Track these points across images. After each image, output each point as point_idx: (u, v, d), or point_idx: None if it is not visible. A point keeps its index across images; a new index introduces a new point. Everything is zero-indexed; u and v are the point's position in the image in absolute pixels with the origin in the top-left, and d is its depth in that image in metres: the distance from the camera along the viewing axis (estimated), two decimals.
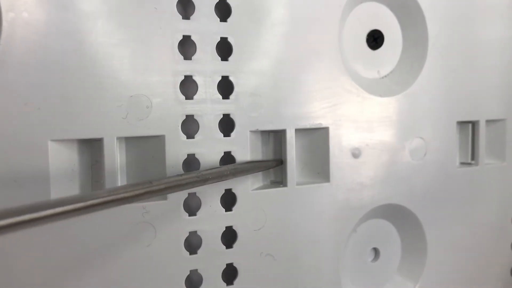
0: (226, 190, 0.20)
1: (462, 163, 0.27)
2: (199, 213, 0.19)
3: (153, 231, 0.18)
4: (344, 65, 0.22)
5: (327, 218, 0.22)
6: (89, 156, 0.18)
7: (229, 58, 0.19)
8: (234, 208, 0.20)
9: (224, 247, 0.20)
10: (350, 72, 0.23)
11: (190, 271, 0.19)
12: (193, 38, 0.19)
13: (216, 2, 0.19)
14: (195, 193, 0.19)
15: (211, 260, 0.20)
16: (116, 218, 0.18)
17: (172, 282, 0.19)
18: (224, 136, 0.19)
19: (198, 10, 0.19)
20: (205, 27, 0.19)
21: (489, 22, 0.26)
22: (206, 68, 0.19)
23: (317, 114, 0.22)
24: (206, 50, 0.19)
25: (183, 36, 0.18)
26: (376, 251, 0.25)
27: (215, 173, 0.17)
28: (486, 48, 0.26)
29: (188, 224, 0.19)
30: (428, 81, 0.24)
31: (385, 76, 0.25)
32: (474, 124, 0.27)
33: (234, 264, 0.20)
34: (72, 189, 0.18)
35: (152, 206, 0.18)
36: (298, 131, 0.21)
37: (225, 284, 0.20)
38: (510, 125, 0.27)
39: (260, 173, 0.22)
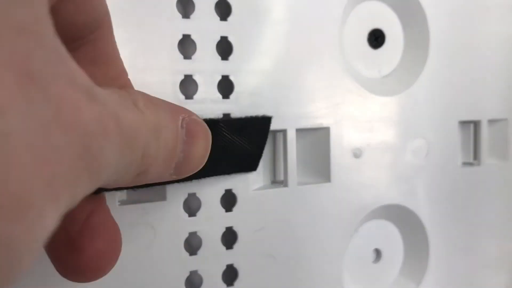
0: (226, 190, 0.20)
1: (464, 163, 0.27)
2: (199, 214, 0.19)
3: (152, 232, 0.18)
4: (345, 64, 0.22)
5: (329, 219, 0.22)
6: None
7: (229, 58, 0.19)
8: (234, 209, 0.20)
9: (225, 248, 0.20)
10: (351, 72, 0.23)
11: (190, 272, 0.19)
12: (193, 37, 0.19)
13: (216, 1, 0.19)
14: (195, 193, 0.19)
15: (211, 261, 0.19)
16: (115, 218, 0.17)
17: (172, 283, 0.19)
18: None
19: (198, 9, 0.19)
20: (205, 26, 0.19)
21: (491, 21, 0.26)
22: (206, 67, 0.19)
23: (318, 114, 0.21)
24: (206, 49, 0.19)
25: (183, 35, 0.18)
26: (378, 252, 0.25)
27: None
28: (488, 47, 0.26)
29: (188, 224, 0.19)
30: (429, 81, 0.24)
31: (387, 75, 0.25)
32: (476, 123, 0.26)
33: (235, 265, 0.20)
34: None
35: (152, 206, 0.18)
36: (299, 131, 0.21)
37: (226, 285, 0.20)
38: None
39: (261, 173, 0.22)
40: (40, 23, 0.07)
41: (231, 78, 0.19)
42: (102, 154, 0.09)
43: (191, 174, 0.14)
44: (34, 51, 0.07)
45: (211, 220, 0.19)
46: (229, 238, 0.20)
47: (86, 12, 0.11)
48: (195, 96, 0.19)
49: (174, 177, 0.13)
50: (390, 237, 0.25)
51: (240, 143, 0.19)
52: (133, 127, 0.10)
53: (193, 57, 0.19)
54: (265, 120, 0.20)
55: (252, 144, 0.19)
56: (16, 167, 0.06)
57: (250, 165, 0.20)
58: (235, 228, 0.20)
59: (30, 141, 0.07)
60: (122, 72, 0.14)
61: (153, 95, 0.18)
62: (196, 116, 0.14)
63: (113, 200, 0.17)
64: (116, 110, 0.10)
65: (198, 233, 0.19)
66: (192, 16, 0.19)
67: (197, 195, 0.19)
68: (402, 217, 0.25)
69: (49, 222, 0.07)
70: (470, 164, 0.26)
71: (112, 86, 0.12)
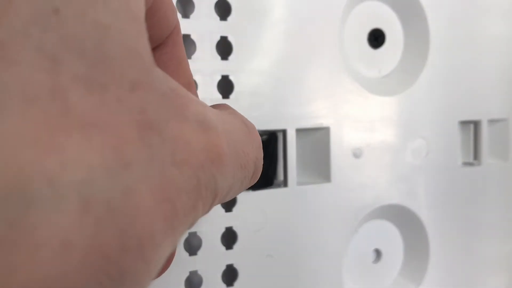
0: None
1: (464, 163, 0.27)
2: None
3: None
4: (345, 64, 0.22)
5: (328, 219, 0.22)
6: None
7: (229, 57, 0.19)
8: (234, 209, 0.20)
9: (224, 248, 0.20)
10: (351, 71, 0.23)
11: (190, 272, 0.19)
12: (192, 37, 0.19)
13: (216, 1, 0.19)
14: None
15: (211, 261, 0.19)
16: None
17: (171, 283, 0.19)
18: None
19: (198, 9, 0.19)
20: (204, 26, 0.19)
21: (491, 20, 0.26)
22: (206, 67, 0.19)
23: (318, 114, 0.21)
24: (205, 49, 0.19)
25: (183, 35, 0.18)
26: (378, 252, 0.25)
27: None
28: (488, 47, 0.26)
29: None
30: (429, 80, 0.24)
31: (387, 75, 0.25)
32: (476, 123, 0.26)
33: (234, 265, 0.20)
34: None
35: None
36: (299, 131, 0.21)
37: (225, 285, 0.20)
38: None
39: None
40: (149, 73, 0.08)
41: (231, 78, 0.19)
42: (215, 181, 0.09)
43: None
44: (148, 101, 0.08)
45: (211, 220, 0.19)
46: (229, 238, 0.20)
47: (162, 24, 0.12)
48: None
49: None
50: (390, 237, 0.25)
51: None
52: (244, 148, 0.11)
53: (192, 57, 0.19)
54: (271, 137, 0.20)
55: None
56: (140, 213, 0.07)
57: (265, 180, 0.20)
58: (235, 228, 0.20)
59: (151, 185, 0.07)
60: (190, 82, 0.14)
61: None
62: None
63: None
64: (229, 131, 0.10)
65: (197, 233, 0.19)
66: (191, 16, 0.18)
67: None
68: (402, 217, 0.25)
69: (166, 253, 0.08)
70: (470, 164, 0.26)
71: None
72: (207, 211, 0.09)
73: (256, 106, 0.20)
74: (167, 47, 0.12)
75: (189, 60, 0.18)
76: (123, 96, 0.07)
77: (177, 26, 0.12)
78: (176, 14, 0.12)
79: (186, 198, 0.08)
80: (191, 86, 0.14)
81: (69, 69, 0.06)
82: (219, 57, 0.19)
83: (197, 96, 0.14)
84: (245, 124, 0.12)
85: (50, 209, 0.06)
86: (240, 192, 0.12)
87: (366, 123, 0.23)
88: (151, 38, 0.12)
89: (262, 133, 0.20)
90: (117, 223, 0.07)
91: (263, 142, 0.19)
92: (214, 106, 0.12)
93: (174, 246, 0.08)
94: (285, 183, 0.21)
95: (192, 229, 0.19)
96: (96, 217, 0.06)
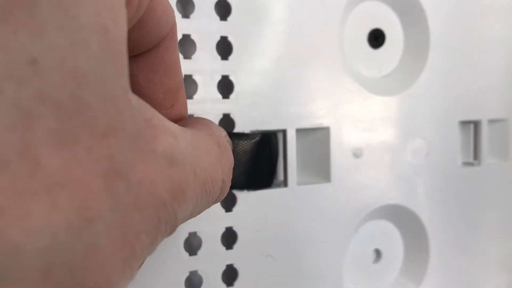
0: None
1: (464, 163, 0.27)
2: None
3: None
4: (345, 64, 0.22)
5: (328, 219, 0.22)
6: None
7: (229, 57, 0.19)
8: (234, 209, 0.20)
9: (224, 248, 0.20)
10: (351, 72, 0.23)
11: (190, 272, 0.19)
12: (192, 37, 0.19)
13: (216, 0, 0.19)
14: None
15: (211, 261, 0.19)
16: None
17: (171, 283, 0.19)
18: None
19: (198, 9, 0.19)
20: (205, 26, 0.19)
21: (491, 21, 0.26)
22: (206, 67, 0.19)
23: (318, 114, 0.21)
24: (206, 49, 0.19)
25: (183, 35, 0.18)
26: (378, 252, 0.25)
27: None
28: (489, 47, 0.26)
29: (188, 225, 0.19)
30: (430, 81, 0.24)
31: (387, 75, 0.25)
32: (476, 123, 0.26)
33: (234, 265, 0.20)
34: None
35: None
36: (299, 131, 0.21)
37: (225, 285, 0.20)
38: None
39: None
40: (122, 115, 0.08)
41: (231, 78, 0.19)
42: (176, 215, 0.09)
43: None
44: (117, 145, 0.07)
45: (211, 220, 0.19)
46: (229, 238, 0.20)
47: (153, 32, 0.11)
48: (194, 96, 0.19)
49: None
50: (390, 237, 0.25)
51: (249, 158, 0.19)
52: (213, 173, 0.11)
53: (193, 57, 0.19)
54: (268, 137, 0.20)
55: (262, 161, 0.20)
56: (100, 265, 0.07)
57: (263, 182, 0.20)
58: (235, 228, 0.20)
59: (112, 236, 0.07)
60: (179, 86, 0.14)
61: None
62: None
63: None
64: (199, 159, 0.10)
65: (198, 233, 0.19)
66: (192, 16, 0.18)
67: None
68: (402, 217, 0.25)
69: (125, 286, 0.08)
70: (470, 164, 0.26)
71: (167, 98, 0.13)
72: (163, 239, 0.10)
73: (256, 106, 0.20)
74: (159, 51, 0.12)
75: (189, 60, 0.18)
76: (93, 145, 0.07)
77: (171, 31, 0.12)
78: (172, 19, 0.12)
79: (145, 237, 0.08)
80: (181, 89, 0.13)
81: (42, 124, 0.06)
82: (219, 57, 0.19)
83: (184, 97, 0.14)
84: (219, 146, 0.11)
85: (13, 280, 0.06)
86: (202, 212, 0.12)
87: (366, 123, 0.23)
88: (141, 45, 0.11)
89: (259, 133, 0.20)
90: (76, 280, 0.07)
91: (255, 143, 0.19)
92: (193, 122, 0.12)
93: (133, 278, 0.09)
94: (285, 183, 0.21)
95: (192, 229, 0.19)
96: (57, 281, 0.06)
